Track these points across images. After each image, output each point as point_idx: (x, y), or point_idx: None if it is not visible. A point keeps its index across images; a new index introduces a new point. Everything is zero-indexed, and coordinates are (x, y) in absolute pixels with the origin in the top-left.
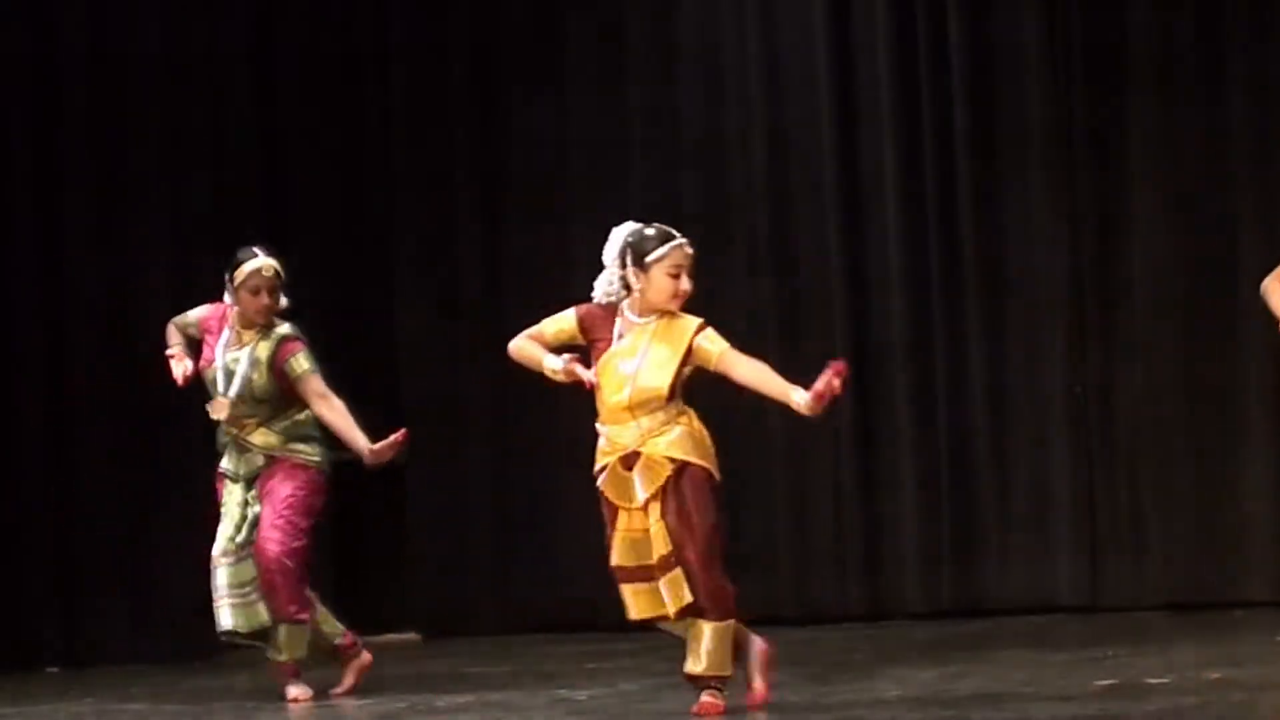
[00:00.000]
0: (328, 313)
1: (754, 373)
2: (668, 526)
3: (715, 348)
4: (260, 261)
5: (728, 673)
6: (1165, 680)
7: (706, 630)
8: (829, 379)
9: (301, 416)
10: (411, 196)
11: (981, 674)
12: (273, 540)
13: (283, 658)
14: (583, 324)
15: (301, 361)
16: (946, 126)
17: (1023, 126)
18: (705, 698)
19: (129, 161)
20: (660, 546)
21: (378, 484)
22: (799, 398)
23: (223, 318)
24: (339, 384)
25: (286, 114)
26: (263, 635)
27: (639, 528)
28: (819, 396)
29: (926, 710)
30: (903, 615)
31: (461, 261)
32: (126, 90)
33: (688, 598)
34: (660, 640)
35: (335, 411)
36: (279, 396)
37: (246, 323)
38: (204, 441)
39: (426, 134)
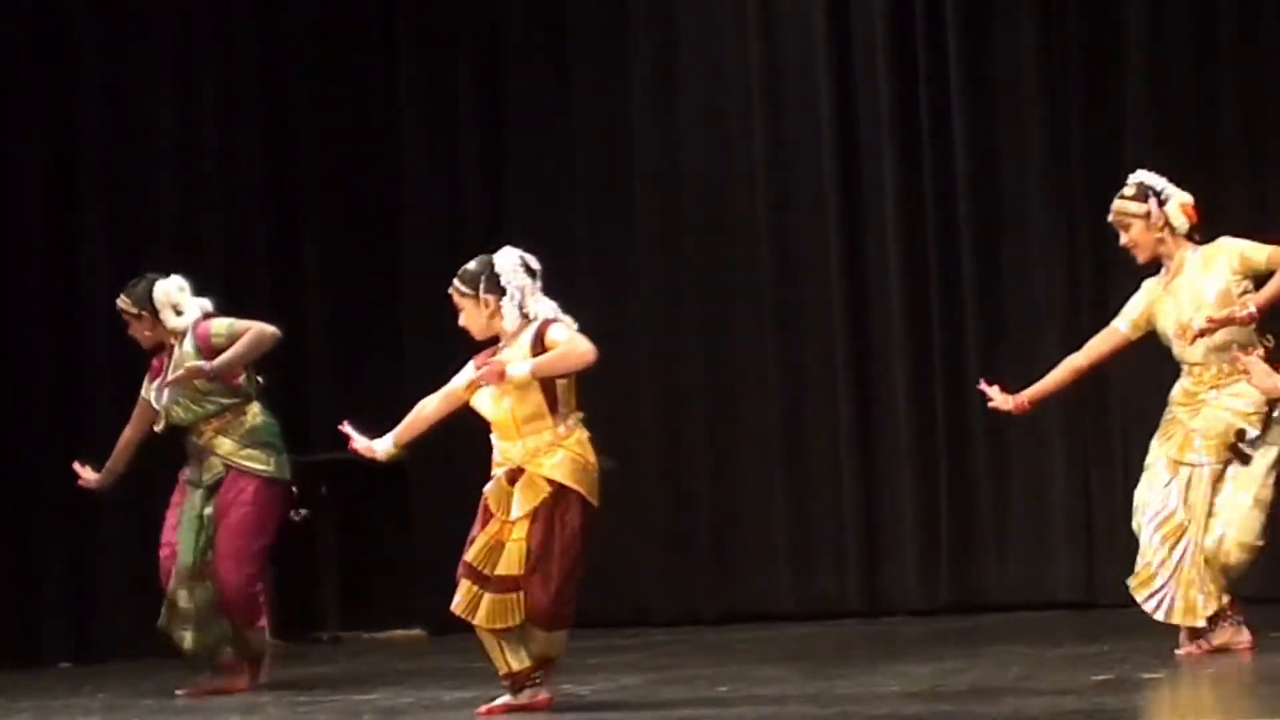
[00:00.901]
0: (335, 315)
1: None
2: (529, 549)
3: (562, 335)
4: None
5: (555, 655)
6: (1159, 675)
7: (539, 636)
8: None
9: (257, 422)
10: (419, 199)
11: (979, 669)
12: (227, 569)
13: (243, 655)
14: (475, 363)
15: (220, 326)
16: (946, 135)
17: (1020, 137)
18: (524, 697)
19: (139, 168)
20: (514, 567)
21: (383, 485)
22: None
23: (153, 360)
24: (346, 385)
25: (295, 115)
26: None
27: (505, 538)
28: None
29: (924, 704)
30: (901, 611)
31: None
32: (137, 91)
33: (512, 621)
34: (659, 638)
35: (256, 330)
36: (221, 385)
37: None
38: None
39: (433, 131)
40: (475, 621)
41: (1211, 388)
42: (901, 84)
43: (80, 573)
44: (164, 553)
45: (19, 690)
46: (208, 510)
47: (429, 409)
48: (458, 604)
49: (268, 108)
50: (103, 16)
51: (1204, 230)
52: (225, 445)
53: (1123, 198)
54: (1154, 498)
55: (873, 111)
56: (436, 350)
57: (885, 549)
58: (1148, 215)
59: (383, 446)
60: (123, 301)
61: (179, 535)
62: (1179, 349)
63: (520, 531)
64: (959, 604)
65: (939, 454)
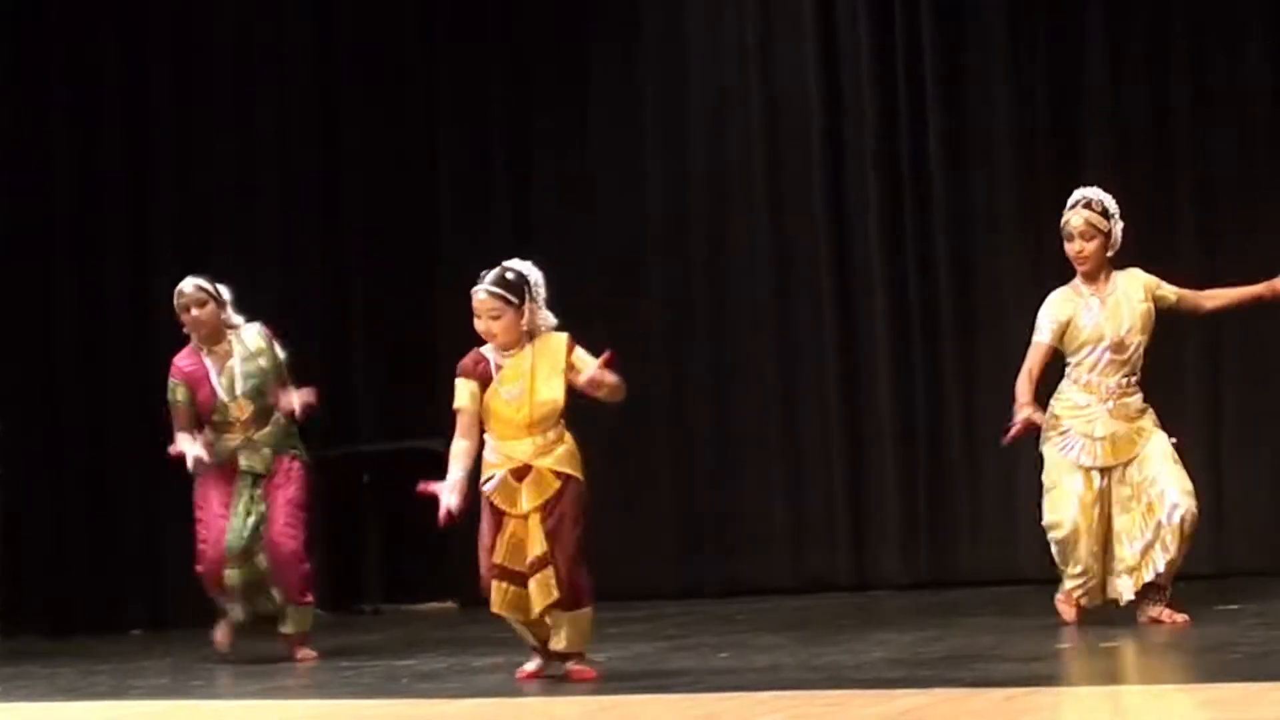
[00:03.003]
0: (377, 324)
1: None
2: (546, 532)
3: (590, 360)
4: (182, 283)
5: (581, 650)
6: (1115, 644)
7: (564, 619)
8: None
9: (285, 423)
10: (454, 213)
11: (954, 638)
12: (288, 537)
13: (290, 631)
14: (471, 377)
15: (278, 349)
16: (923, 160)
17: (989, 149)
18: (573, 666)
19: (204, 180)
20: (536, 548)
21: (420, 475)
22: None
23: (191, 355)
24: (386, 387)
25: (344, 129)
26: (264, 617)
27: (520, 535)
28: (592, 381)
29: (906, 669)
30: (885, 586)
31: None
32: (203, 113)
33: (554, 594)
34: (668, 610)
35: None
36: (276, 380)
37: (204, 340)
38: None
39: (468, 149)
40: (517, 618)
41: (1104, 401)
42: (883, 112)
43: (152, 550)
44: (210, 554)
45: (99, 654)
46: (256, 498)
47: (467, 443)
48: (495, 603)
49: (321, 130)
50: (176, 42)
51: (1157, 220)
52: (272, 435)
53: (1093, 211)
54: (1064, 516)
55: (858, 136)
56: (465, 353)
57: (871, 531)
58: (1109, 234)
59: (453, 497)
60: (198, 284)
61: (230, 522)
62: (1105, 359)
63: (535, 520)
64: (937, 580)
65: (919, 447)
